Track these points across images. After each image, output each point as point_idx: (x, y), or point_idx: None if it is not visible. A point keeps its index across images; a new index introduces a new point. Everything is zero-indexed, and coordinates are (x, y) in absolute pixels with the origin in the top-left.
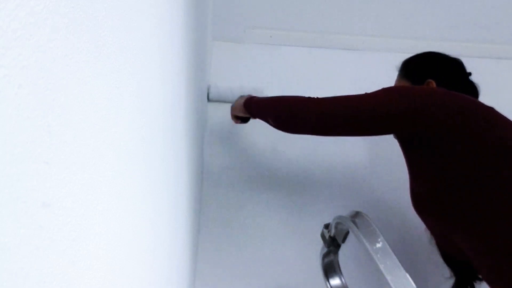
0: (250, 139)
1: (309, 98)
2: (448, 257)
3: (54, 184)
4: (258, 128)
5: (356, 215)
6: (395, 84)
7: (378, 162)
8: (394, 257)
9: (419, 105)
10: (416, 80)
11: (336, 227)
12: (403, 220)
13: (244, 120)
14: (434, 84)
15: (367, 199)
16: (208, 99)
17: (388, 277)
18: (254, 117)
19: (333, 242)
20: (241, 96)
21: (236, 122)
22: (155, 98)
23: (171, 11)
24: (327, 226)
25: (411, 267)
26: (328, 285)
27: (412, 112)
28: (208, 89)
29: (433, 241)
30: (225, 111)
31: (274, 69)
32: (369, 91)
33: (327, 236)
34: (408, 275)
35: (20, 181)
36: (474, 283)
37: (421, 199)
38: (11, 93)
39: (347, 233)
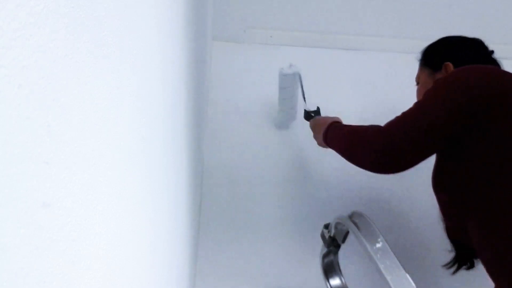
0: (250, 139)
1: (368, 129)
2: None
3: (54, 184)
4: (258, 127)
5: (356, 215)
6: (417, 73)
7: None
8: (394, 257)
9: (474, 93)
10: (434, 65)
11: (336, 227)
12: (403, 220)
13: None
14: (451, 67)
15: (367, 199)
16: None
17: (388, 277)
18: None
19: (333, 242)
20: (318, 120)
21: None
22: (155, 98)
23: (171, 11)
24: (327, 226)
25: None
26: (328, 285)
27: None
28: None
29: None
30: (225, 110)
31: (274, 69)
32: (368, 91)
33: (327, 236)
34: (408, 275)
35: (20, 181)
36: (474, 260)
37: (443, 176)
38: (11, 93)
39: (347, 233)
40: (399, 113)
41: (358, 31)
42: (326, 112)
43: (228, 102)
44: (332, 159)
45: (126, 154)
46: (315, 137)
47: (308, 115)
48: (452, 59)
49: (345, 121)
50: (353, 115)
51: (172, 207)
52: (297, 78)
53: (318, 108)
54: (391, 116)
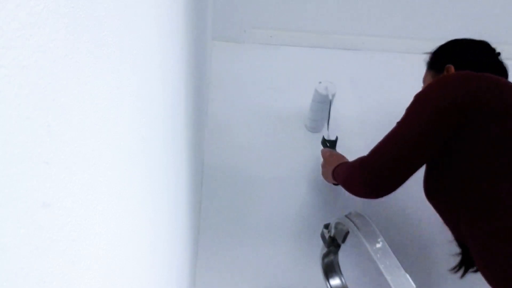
0: (250, 139)
1: (354, 163)
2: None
3: (54, 184)
4: (258, 127)
5: (356, 215)
6: (424, 74)
7: None
8: (394, 257)
9: (454, 98)
10: (437, 68)
11: (336, 227)
12: (403, 220)
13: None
14: (452, 69)
15: (367, 199)
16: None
17: (388, 277)
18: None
19: (333, 242)
20: (330, 155)
21: (330, 182)
22: (155, 98)
23: (171, 11)
24: (327, 226)
25: (411, 267)
26: (328, 285)
27: (459, 103)
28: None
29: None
30: (225, 110)
31: (274, 69)
32: (368, 91)
33: (327, 236)
34: (408, 275)
35: (20, 181)
36: None
37: (433, 183)
38: (11, 93)
39: (347, 233)
40: (398, 113)
41: (358, 31)
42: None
43: (228, 102)
44: None
45: (126, 154)
46: (324, 169)
47: (324, 142)
48: (454, 62)
49: (345, 121)
50: (353, 115)
51: (172, 207)
52: (327, 100)
53: (336, 138)
54: (391, 116)
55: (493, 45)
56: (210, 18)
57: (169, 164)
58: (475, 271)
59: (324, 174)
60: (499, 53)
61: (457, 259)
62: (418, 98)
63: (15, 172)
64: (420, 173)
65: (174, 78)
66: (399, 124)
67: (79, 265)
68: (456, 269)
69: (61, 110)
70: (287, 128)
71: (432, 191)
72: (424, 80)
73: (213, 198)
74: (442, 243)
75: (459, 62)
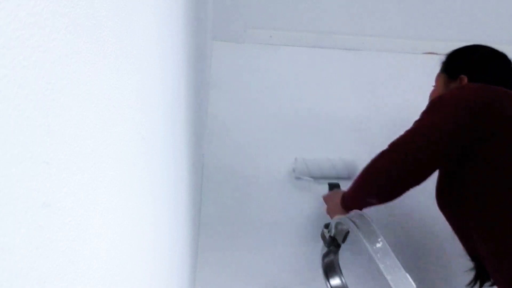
0: (250, 138)
1: (380, 155)
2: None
3: (54, 184)
4: (258, 127)
5: (356, 215)
6: (437, 75)
7: None
8: (394, 257)
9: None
10: (451, 74)
11: (336, 227)
12: (403, 220)
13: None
14: (466, 80)
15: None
16: (295, 176)
17: (388, 277)
18: (360, 209)
19: (333, 242)
20: (334, 192)
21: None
22: (155, 98)
23: (171, 11)
24: (327, 226)
25: (411, 267)
26: (328, 285)
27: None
28: (294, 164)
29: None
30: (225, 110)
31: (274, 69)
32: (368, 91)
33: (327, 236)
34: (408, 275)
35: (20, 181)
36: None
37: (446, 193)
38: (11, 93)
39: (347, 233)
40: (398, 113)
41: (358, 31)
42: (326, 111)
43: (228, 102)
44: (332, 159)
45: (126, 154)
46: (330, 203)
47: (330, 187)
48: (469, 72)
49: (345, 121)
50: (353, 114)
51: (172, 207)
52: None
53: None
54: (391, 116)
55: (493, 45)
56: (210, 18)
57: (169, 164)
58: (492, 285)
59: (331, 207)
60: None
61: (471, 274)
62: (436, 101)
63: (15, 172)
64: None
65: (174, 78)
66: (419, 121)
67: (79, 265)
68: (471, 284)
69: (61, 110)
70: (287, 128)
71: (445, 203)
72: (437, 80)
73: (213, 198)
74: (443, 243)
75: (473, 73)
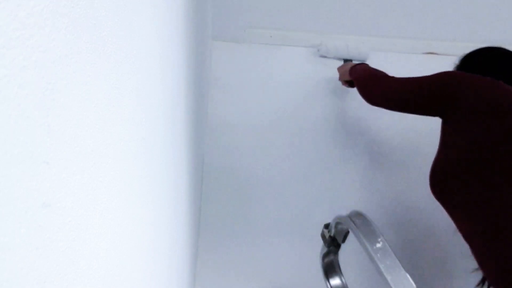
0: (250, 138)
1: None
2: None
3: (54, 184)
4: (258, 127)
5: (356, 215)
6: None
7: (378, 162)
8: (394, 257)
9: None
10: None
11: (336, 227)
12: (403, 220)
13: (351, 84)
14: None
15: (367, 199)
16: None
17: (388, 277)
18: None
19: (333, 242)
20: (347, 63)
21: (344, 85)
22: (155, 98)
23: (171, 11)
24: (327, 226)
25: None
26: (328, 285)
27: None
28: (319, 46)
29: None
30: (225, 110)
31: (274, 69)
32: None
33: (327, 236)
34: (408, 275)
35: (20, 181)
36: None
37: (440, 175)
38: (11, 93)
39: (347, 233)
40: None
41: (358, 31)
42: (326, 111)
43: (228, 102)
44: (332, 159)
45: (126, 154)
46: (342, 69)
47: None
48: (481, 73)
49: (346, 121)
50: (353, 115)
51: (172, 206)
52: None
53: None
54: (391, 116)
55: (493, 45)
56: (210, 18)
57: (169, 163)
58: None
59: (341, 73)
60: None
61: (479, 275)
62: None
63: (15, 172)
64: (422, 172)
65: (174, 78)
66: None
67: (79, 265)
68: (480, 285)
69: (61, 110)
70: (287, 128)
71: (444, 194)
72: None
73: (213, 197)
74: (443, 242)
75: (487, 74)
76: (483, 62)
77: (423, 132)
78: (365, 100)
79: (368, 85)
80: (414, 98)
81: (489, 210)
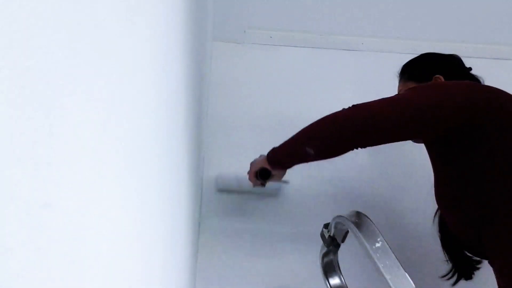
0: (250, 139)
1: (349, 109)
2: (449, 246)
3: (55, 184)
4: (258, 128)
5: (355, 215)
6: (399, 88)
7: (378, 162)
8: (394, 256)
9: (473, 99)
10: (422, 79)
11: (335, 227)
12: (403, 220)
13: (264, 179)
14: (442, 79)
15: (367, 199)
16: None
17: (388, 277)
18: (285, 166)
19: (332, 242)
20: (260, 155)
21: (256, 184)
22: (155, 98)
23: (171, 12)
24: (327, 226)
25: (410, 266)
26: (328, 284)
27: (470, 105)
28: (216, 180)
29: (437, 229)
30: (225, 110)
31: (274, 69)
32: (368, 92)
33: (326, 235)
34: (407, 275)
35: (22, 182)
36: (472, 274)
37: (445, 195)
38: (12, 93)
39: (346, 233)
40: None
41: (358, 32)
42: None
43: (228, 102)
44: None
45: (126, 154)
46: (253, 165)
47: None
48: (440, 73)
49: None
50: None
51: (172, 207)
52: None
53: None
54: None
55: (493, 45)
56: (210, 18)
57: (169, 164)
58: (466, 279)
59: (252, 166)
60: (470, 68)
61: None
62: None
63: (16, 173)
64: (422, 172)
65: (174, 78)
66: (409, 90)
67: (79, 265)
68: (448, 276)
69: (62, 110)
70: (286, 128)
71: (447, 201)
72: (400, 91)
73: (213, 198)
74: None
75: (445, 73)
76: (429, 67)
77: None
78: (332, 153)
79: (331, 130)
80: (440, 112)
81: None
